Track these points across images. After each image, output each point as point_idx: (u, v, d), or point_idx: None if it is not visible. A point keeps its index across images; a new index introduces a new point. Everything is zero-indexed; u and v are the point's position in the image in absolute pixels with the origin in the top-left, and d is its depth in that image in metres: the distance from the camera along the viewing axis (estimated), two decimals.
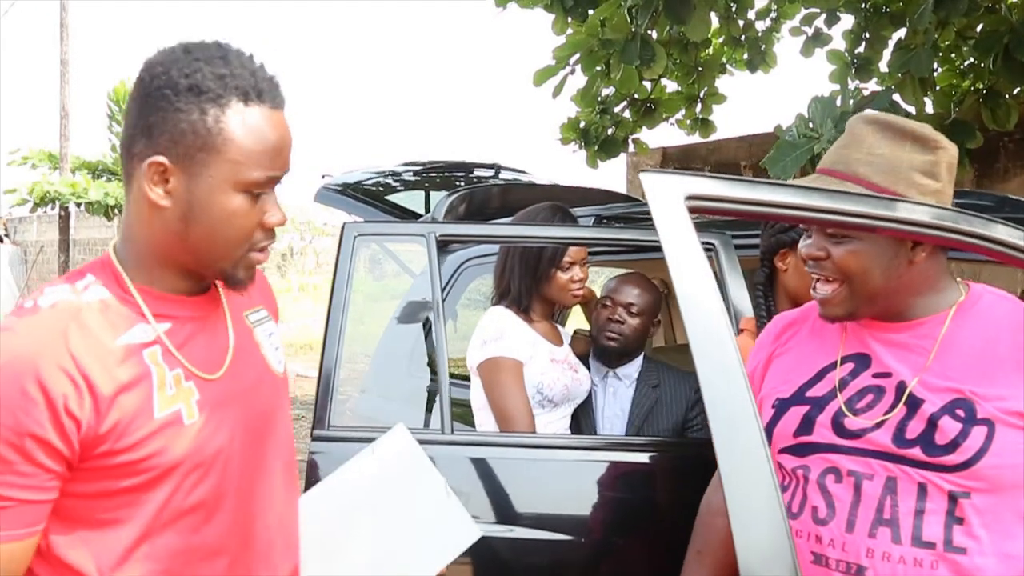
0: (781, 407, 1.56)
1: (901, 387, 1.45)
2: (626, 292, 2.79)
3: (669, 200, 1.34)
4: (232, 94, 1.21)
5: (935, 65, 4.82)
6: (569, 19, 5.23)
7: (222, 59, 1.22)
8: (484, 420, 2.58)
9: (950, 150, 1.49)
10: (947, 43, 4.78)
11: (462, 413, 2.68)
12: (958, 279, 1.53)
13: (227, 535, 1.30)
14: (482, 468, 2.23)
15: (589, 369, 2.84)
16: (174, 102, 1.19)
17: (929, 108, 4.48)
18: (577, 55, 4.89)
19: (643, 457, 2.29)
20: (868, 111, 1.55)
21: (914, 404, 1.43)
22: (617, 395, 2.82)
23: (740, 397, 1.28)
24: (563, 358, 2.68)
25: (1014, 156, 5.26)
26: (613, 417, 2.80)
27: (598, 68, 5.01)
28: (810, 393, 1.54)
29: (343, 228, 2.36)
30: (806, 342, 1.63)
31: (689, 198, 1.35)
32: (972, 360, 1.43)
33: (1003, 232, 1.38)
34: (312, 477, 2.13)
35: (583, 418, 2.77)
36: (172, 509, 1.23)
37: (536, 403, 2.55)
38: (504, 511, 2.21)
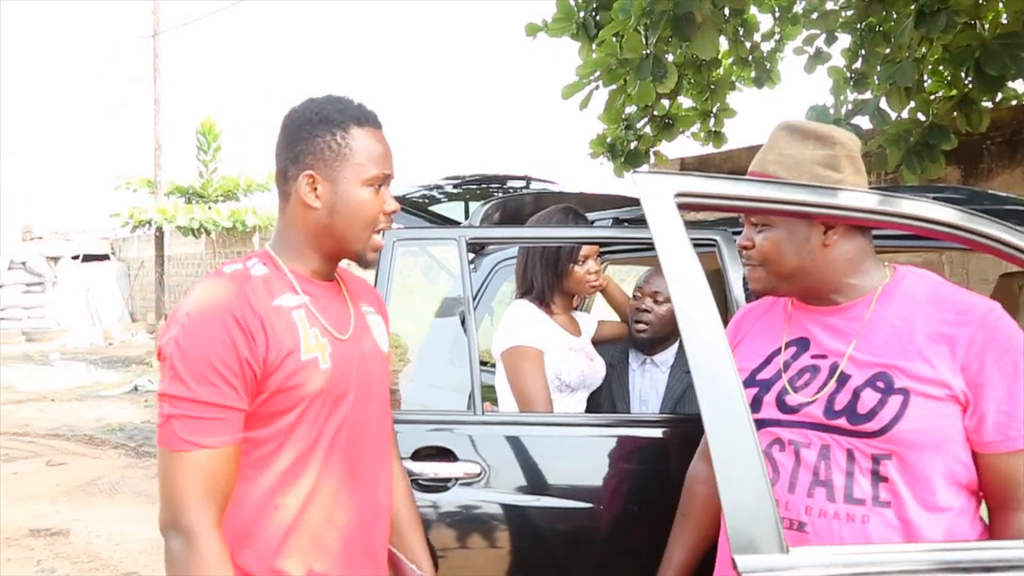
0: None
1: (833, 366, 1.47)
2: (653, 282, 2.74)
3: (660, 197, 1.33)
4: (349, 120, 1.51)
5: (925, 76, 4.73)
6: (594, 46, 5.21)
7: (337, 100, 1.54)
8: (507, 402, 2.56)
9: (847, 144, 1.51)
10: (935, 57, 4.69)
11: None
12: (885, 263, 1.53)
13: (344, 463, 1.52)
14: (511, 444, 2.22)
15: (627, 359, 2.81)
16: (312, 132, 1.50)
17: (920, 115, 4.40)
18: (598, 72, 4.86)
19: (651, 432, 2.26)
20: (785, 119, 1.57)
21: (843, 380, 1.45)
22: (653, 380, 2.77)
23: (727, 376, 1.25)
24: (580, 347, 2.65)
25: (996, 157, 5.21)
26: (648, 398, 2.76)
27: (615, 86, 4.97)
28: (760, 376, 1.57)
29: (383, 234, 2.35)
30: (759, 331, 1.65)
31: (678, 195, 1.34)
32: (893, 337, 1.44)
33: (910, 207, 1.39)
34: None
35: (619, 400, 2.74)
36: (312, 434, 1.47)
37: (555, 388, 2.52)
38: (529, 483, 2.20)
